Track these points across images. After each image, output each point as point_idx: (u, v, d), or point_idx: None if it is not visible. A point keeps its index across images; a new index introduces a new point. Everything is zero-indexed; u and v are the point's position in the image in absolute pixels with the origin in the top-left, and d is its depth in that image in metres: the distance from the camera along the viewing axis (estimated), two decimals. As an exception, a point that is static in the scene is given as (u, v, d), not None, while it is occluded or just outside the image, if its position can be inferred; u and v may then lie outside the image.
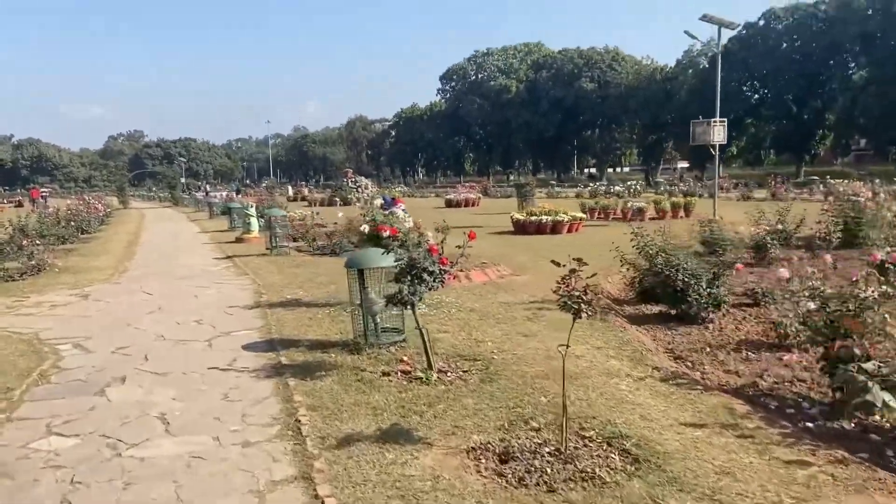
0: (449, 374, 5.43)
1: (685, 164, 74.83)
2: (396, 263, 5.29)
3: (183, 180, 74.77)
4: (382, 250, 6.08)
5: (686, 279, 7.22)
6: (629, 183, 41.47)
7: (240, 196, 42.11)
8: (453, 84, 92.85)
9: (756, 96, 62.79)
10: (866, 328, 4.57)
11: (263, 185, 63.25)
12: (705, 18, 18.50)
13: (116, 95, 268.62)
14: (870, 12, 52.47)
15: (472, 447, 4.00)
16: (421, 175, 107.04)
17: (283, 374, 5.60)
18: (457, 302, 8.41)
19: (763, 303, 7.78)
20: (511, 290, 9.37)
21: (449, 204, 34.12)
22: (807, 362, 5.73)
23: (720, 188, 24.30)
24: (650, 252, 8.09)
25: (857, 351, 4.33)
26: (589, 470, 3.62)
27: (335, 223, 15.27)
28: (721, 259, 10.04)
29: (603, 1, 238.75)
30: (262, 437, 4.31)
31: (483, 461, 3.83)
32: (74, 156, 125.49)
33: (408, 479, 3.61)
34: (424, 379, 5.23)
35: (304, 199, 43.83)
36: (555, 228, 17.86)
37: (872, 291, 4.72)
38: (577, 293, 3.76)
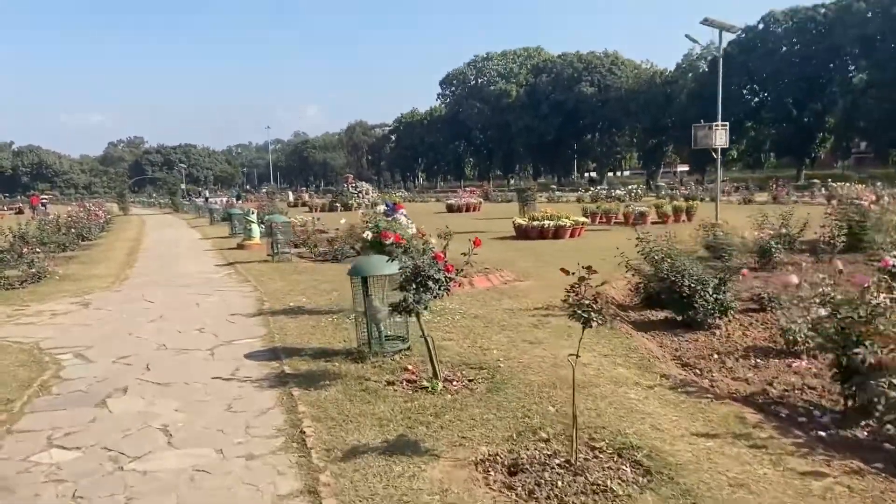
0: (455, 382, 5.36)
1: (685, 168, 74.91)
2: (401, 271, 5.22)
3: (183, 186, 74.92)
4: (386, 257, 6.02)
5: (692, 285, 7.14)
6: (630, 187, 41.51)
7: (240, 202, 42.17)
8: (453, 89, 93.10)
9: (756, 99, 62.86)
10: (879, 335, 4.49)
11: (264, 190, 63.19)
12: (706, 22, 18.48)
13: (116, 102, 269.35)
14: (869, 15, 52.54)
15: (481, 459, 3.93)
16: (421, 180, 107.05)
17: (286, 383, 5.54)
18: (461, 308, 8.34)
19: (770, 308, 7.71)
20: (515, 296, 9.30)
21: (450, 209, 34.09)
22: (816, 369, 5.67)
23: (721, 191, 24.23)
24: (656, 257, 8.01)
25: (870, 360, 4.25)
26: (600, 482, 3.55)
27: (337, 229, 15.20)
28: (727, 264, 9.97)
29: (602, 5, 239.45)
30: (267, 450, 4.24)
31: (492, 473, 3.76)
32: (74, 162, 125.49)
33: (416, 493, 3.54)
34: (430, 388, 5.16)
35: (304, 204, 43.92)
36: (557, 233, 17.79)
37: (884, 297, 4.65)
38: (586, 301, 3.70)
